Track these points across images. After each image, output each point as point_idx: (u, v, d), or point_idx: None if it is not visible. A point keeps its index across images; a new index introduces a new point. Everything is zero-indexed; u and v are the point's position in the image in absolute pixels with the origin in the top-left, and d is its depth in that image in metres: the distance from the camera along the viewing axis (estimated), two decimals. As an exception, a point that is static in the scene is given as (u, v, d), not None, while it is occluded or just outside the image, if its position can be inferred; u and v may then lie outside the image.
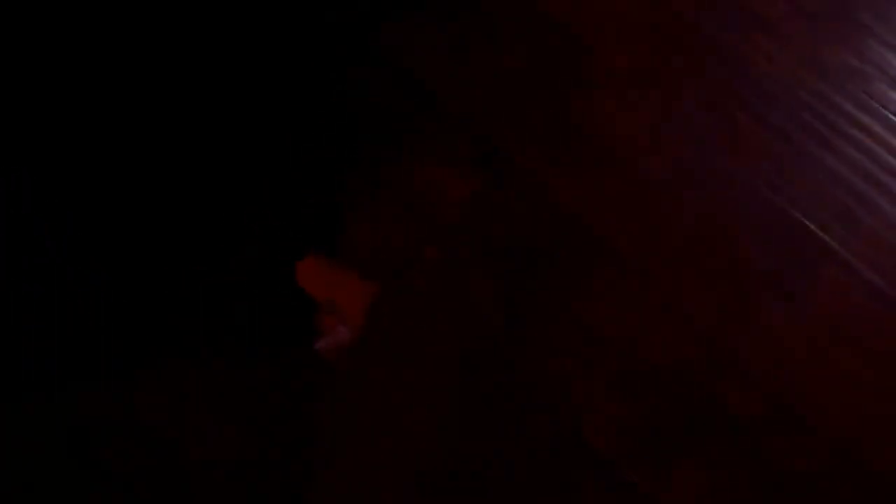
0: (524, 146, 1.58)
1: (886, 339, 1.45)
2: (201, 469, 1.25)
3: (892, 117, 1.52)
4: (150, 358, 1.31)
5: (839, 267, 1.47)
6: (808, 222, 1.49)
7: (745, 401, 1.44)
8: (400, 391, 1.47)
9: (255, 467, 1.28)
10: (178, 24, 1.30)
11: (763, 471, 1.42)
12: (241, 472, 1.28)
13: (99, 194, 1.29)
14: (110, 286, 1.31)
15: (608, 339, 1.50)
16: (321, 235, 1.40)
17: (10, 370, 1.27)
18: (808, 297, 1.46)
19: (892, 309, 1.47)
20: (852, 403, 1.44)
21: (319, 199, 1.41)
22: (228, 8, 1.34)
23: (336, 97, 1.51)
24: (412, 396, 1.47)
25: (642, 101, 1.58)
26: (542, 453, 1.49)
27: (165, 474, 1.26)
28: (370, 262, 1.46)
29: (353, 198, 1.55)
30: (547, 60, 1.61)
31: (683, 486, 1.43)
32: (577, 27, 1.62)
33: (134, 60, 1.28)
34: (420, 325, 1.51)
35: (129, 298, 1.31)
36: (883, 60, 1.54)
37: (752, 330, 1.46)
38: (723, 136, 1.54)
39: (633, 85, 1.59)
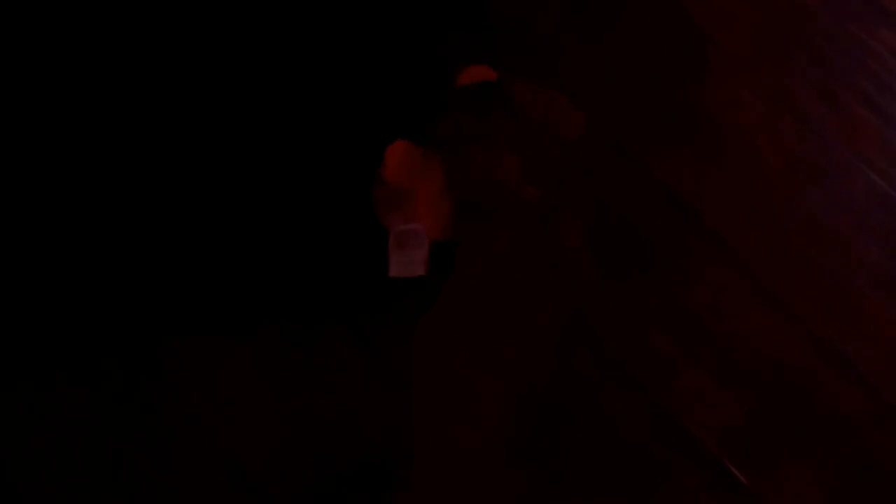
0: (636, 129, 1.57)
1: None
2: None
3: None
4: (151, 358, 1.35)
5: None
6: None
7: (853, 400, 1.42)
8: (476, 357, 1.31)
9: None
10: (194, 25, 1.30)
11: (871, 469, 1.40)
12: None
13: (99, 194, 1.33)
14: (111, 286, 1.35)
15: (711, 332, 1.48)
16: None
17: (16, 366, 1.33)
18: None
19: None
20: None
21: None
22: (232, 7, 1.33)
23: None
24: (492, 365, 1.31)
25: (758, 88, 1.55)
26: (637, 438, 1.43)
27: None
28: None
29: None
30: (666, 46, 1.61)
31: (790, 483, 1.40)
32: (699, 16, 1.60)
33: (147, 59, 1.29)
34: (508, 282, 1.36)
35: (130, 298, 1.35)
36: None
37: (861, 329, 1.45)
38: (838, 127, 1.52)
39: (750, 73, 1.57)
